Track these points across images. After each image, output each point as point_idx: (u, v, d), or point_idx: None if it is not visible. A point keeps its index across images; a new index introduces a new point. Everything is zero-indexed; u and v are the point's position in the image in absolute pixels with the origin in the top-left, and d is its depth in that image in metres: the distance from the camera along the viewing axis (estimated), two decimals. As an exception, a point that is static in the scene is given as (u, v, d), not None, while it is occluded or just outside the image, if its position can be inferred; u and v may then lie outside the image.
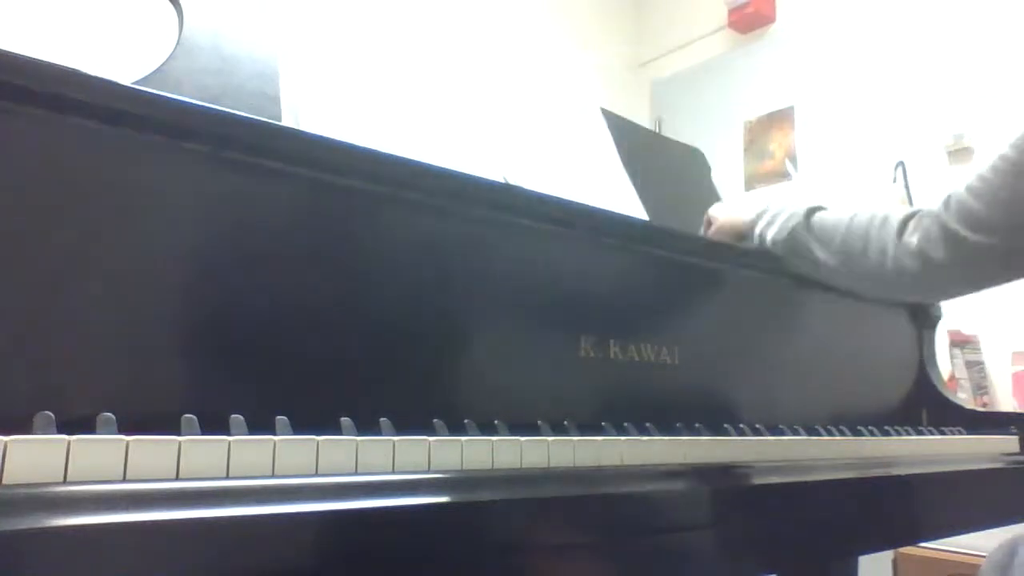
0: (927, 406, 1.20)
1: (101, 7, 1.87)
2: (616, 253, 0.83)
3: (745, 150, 3.11)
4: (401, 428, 0.55)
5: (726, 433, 0.80)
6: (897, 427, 1.05)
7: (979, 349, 2.28)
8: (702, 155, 1.34)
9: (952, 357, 2.25)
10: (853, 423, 0.99)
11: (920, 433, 1.07)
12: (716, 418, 0.82)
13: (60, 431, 0.42)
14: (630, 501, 0.60)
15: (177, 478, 0.41)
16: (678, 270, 0.89)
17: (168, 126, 0.56)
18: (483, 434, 0.59)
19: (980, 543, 0.81)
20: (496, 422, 0.63)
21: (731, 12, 3.16)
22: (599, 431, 0.69)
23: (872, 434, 0.98)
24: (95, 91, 0.53)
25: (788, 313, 1.05)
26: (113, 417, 0.46)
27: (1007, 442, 1.10)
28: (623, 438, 0.64)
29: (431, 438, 0.52)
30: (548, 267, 0.76)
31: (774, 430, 0.87)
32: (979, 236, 0.78)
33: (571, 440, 0.60)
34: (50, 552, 0.35)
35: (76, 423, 0.44)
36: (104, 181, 0.53)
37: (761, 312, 1.00)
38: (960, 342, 2.26)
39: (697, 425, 0.78)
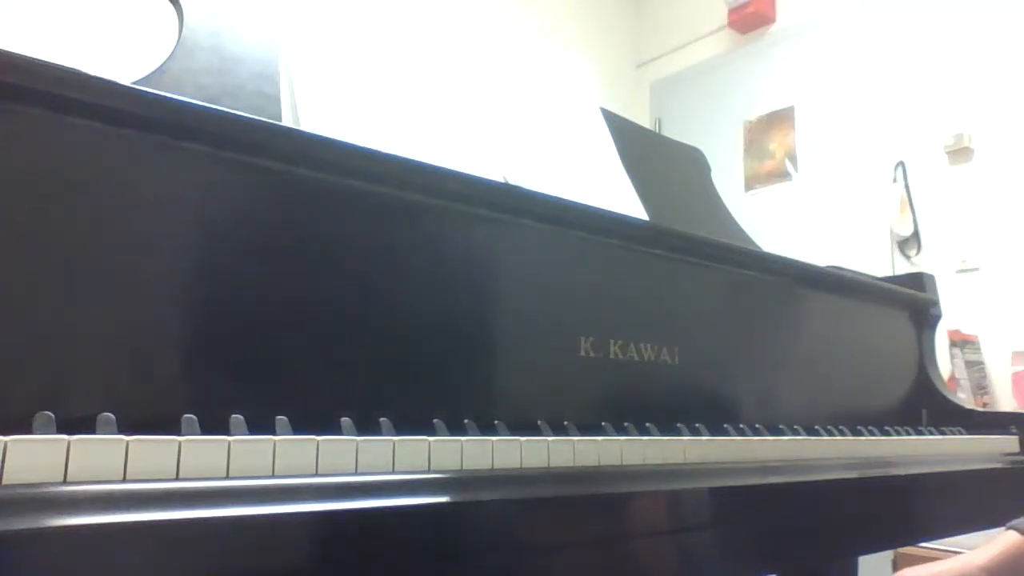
0: (927, 406, 1.20)
1: (101, 7, 1.87)
2: (616, 253, 0.83)
3: (745, 150, 3.11)
4: (401, 428, 0.55)
5: (726, 433, 0.80)
6: (897, 427, 1.05)
7: (979, 349, 2.28)
8: (702, 155, 1.35)
9: (952, 357, 2.25)
10: (853, 423, 0.99)
11: (920, 433, 1.07)
12: (716, 418, 0.82)
13: (60, 431, 0.42)
14: (630, 501, 0.60)
15: (177, 478, 0.41)
16: (678, 270, 0.89)
17: (168, 126, 0.55)
18: (483, 434, 0.59)
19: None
20: (496, 422, 0.63)
21: (731, 12, 3.16)
22: (599, 431, 0.69)
23: (872, 434, 0.98)
24: (95, 91, 0.52)
25: (788, 313, 1.05)
26: (113, 417, 0.46)
27: (1007, 442, 1.11)
28: (623, 438, 0.64)
29: (431, 438, 0.52)
30: (548, 267, 0.76)
31: (774, 430, 0.87)
32: None
33: (571, 440, 0.60)
34: (50, 552, 0.35)
35: (76, 423, 0.44)
36: (104, 181, 0.53)
37: (761, 312, 1.00)
38: (960, 342, 2.26)
39: (697, 425, 0.78)
